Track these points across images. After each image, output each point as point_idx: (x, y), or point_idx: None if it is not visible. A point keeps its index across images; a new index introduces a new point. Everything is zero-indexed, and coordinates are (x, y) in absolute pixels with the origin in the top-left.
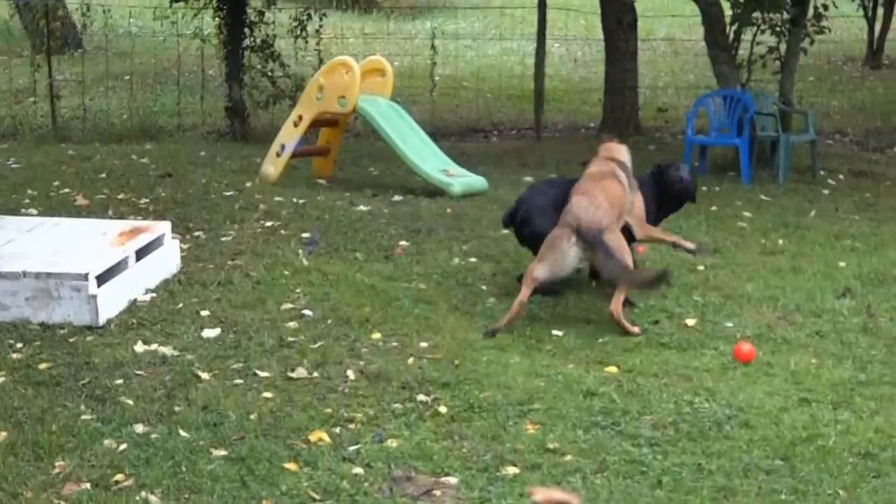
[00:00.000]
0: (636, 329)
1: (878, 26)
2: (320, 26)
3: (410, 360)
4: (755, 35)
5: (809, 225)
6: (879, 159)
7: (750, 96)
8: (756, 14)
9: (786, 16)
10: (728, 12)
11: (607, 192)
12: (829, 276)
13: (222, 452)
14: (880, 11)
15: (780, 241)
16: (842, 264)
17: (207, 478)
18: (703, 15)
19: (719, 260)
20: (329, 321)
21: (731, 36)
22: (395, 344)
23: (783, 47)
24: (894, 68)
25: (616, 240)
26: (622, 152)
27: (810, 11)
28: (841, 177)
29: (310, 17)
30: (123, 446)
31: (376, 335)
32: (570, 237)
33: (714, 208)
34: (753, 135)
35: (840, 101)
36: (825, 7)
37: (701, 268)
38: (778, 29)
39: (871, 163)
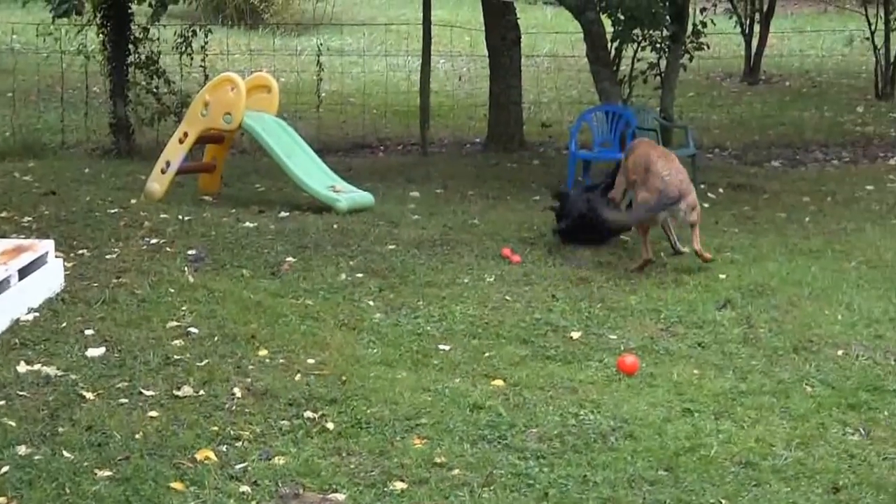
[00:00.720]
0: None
1: (755, 43)
2: (206, 42)
3: (297, 377)
4: (636, 51)
5: (690, 238)
6: (757, 173)
7: (631, 112)
8: (636, 31)
9: (665, 33)
10: (610, 30)
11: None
12: (709, 288)
13: (107, 473)
14: (757, 28)
15: (662, 254)
16: (722, 276)
17: (92, 499)
18: (585, 32)
19: (604, 272)
20: (215, 338)
21: (613, 52)
22: (281, 360)
23: (663, 63)
24: (771, 84)
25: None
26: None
27: (689, 28)
28: (721, 190)
29: (195, 33)
30: (5, 469)
31: (263, 352)
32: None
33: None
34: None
35: (719, 115)
36: (703, 24)
37: (588, 280)
38: (658, 45)
39: (750, 176)
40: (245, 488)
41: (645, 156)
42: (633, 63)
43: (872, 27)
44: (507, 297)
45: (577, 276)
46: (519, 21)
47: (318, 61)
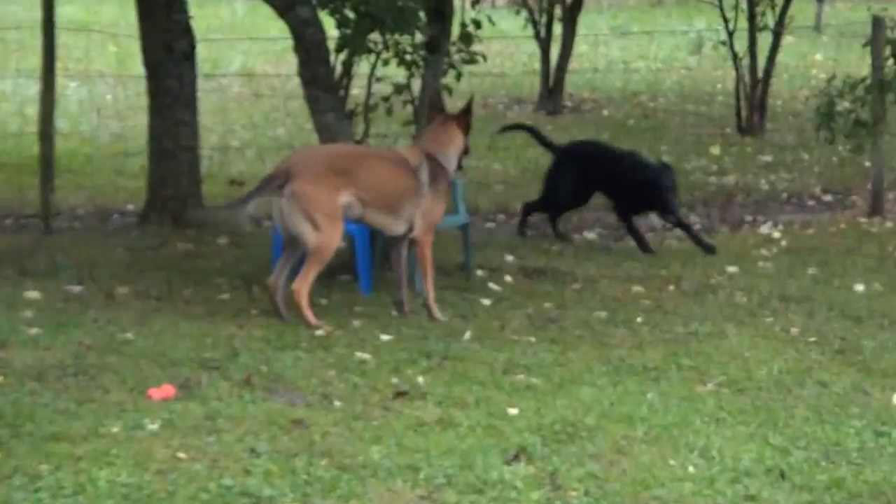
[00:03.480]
0: None
1: (555, 51)
2: None
3: None
4: (374, 67)
5: (463, 353)
6: (564, 250)
7: None
8: (374, 36)
9: (419, 38)
10: (334, 34)
11: None
12: (493, 431)
13: None
14: (558, 29)
15: (420, 379)
16: (513, 412)
17: None
18: (295, 38)
19: (330, 410)
20: None
21: (340, 69)
22: None
23: (416, 85)
24: (580, 112)
25: None
26: None
27: (455, 31)
28: (508, 278)
29: None
30: None
31: None
32: None
33: (321, 332)
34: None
35: (505, 162)
36: (477, 24)
37: (302, 422)
38: (408, 58)
39: (552, 256)
40: None
41: None
42: (369, 85)
43: (730, 26)
44: (181, 455)
45: (290, 418)
46: (193, 23)
47: None
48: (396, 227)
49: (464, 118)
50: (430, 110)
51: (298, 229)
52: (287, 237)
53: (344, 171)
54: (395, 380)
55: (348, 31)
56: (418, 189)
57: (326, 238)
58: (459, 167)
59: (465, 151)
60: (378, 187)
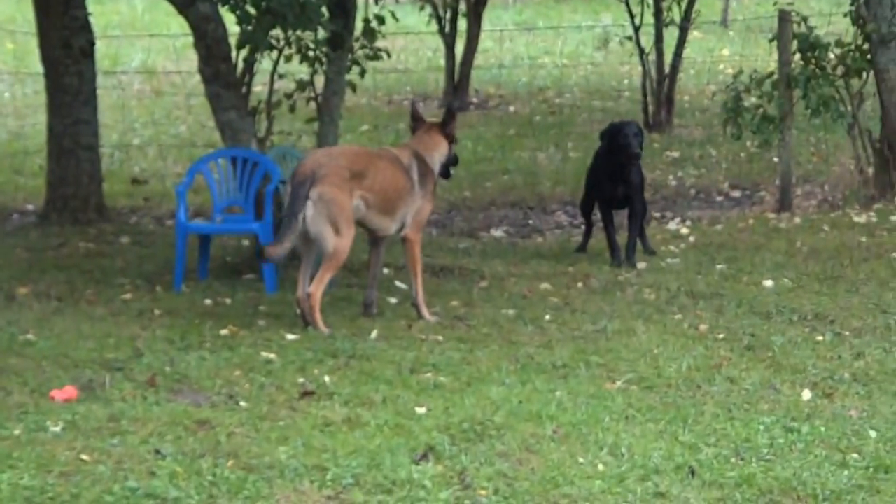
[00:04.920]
0: None
1: (460, 48)
2: None
3: None
4: (276, 63)
5: (370, 353)
6: (471, 248)
7: (272, 158)
8: (276, 32)
9: (322, 34)
10: (236, 31)
11: None
12: (401, 430)
13: None
14: (463, 25)
15: (327, 379)
16: (420, 411)
17: None
18: (195, 35)
19: (235, 411)
20: None
21: (242, 66)
22: None
23: (320, 82)
24: (486, 109)
25: None
26: None
27: (359, 27)
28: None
29: None
30: None
31: None
32: None
33: (224, 332)
34: (280, 217)
35: None
36: (381, 20)
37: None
38: (311, 54)
39: (459, 254)
40: None
41: None
42: (272, 81)
43: (637, 21)
44: (85, 457)
45: (195, 419)
46: (91, 19)
47: None
48: (391, 228)
49: (448, 126)
50: (413, 121)
51: (320, 232)
52: (303, 240)
53: (359, 173)
54: (301, 379)
55: (250, 28)
56: (412, 189)
57: (345, 242)
58: (448, 175)
59: (454, 161)
60: (384, 189)
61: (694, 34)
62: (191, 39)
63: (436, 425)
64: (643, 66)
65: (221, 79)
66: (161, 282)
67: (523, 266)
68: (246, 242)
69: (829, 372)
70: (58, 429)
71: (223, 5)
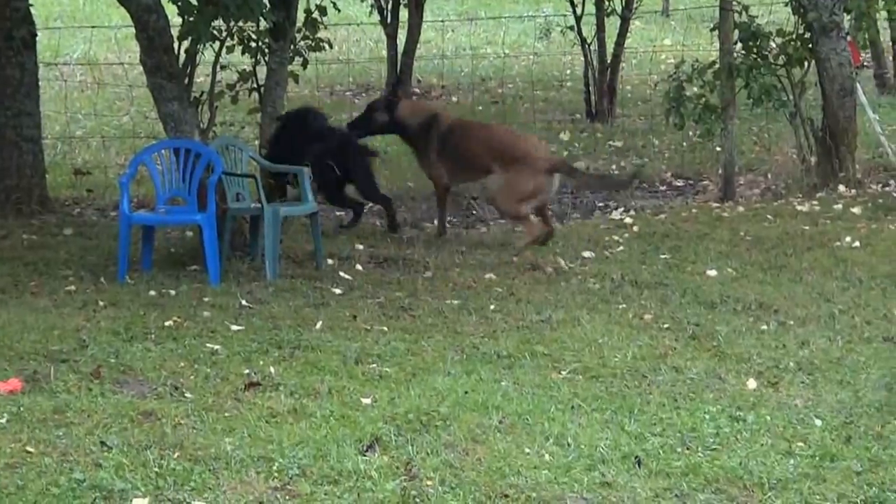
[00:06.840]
0: None
1: (402, 38)
2: None
3: None
4: (219, 54)
5: (315, 343)
6: (414, 238)
7: (214, 149)
8: (219, 23)
9: (263, 25)
10: (177, 21)
11: None
12: (347, 421)
13: None
14: (404, 15)
15: (272, 370)
16: (366, 401)
17: None
18: (137, 26)
19: (181, 402)
20: None
21: (184, 57)
22: None
23: (262, 73)
24: (429, 99)
25: None
26: None
27: (300, 18)
28: (359, 267)
29: None
30: None
31: None
32: None
33: (169, 323)
34: (223, 208)
35: None
36: (322, 10)
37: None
38: (253, 45)
39: (402, 245)
40: None
41: None
42: (214, 73)
43: (578, 11)
44: (30, 448)
45: (141, 410)
46: (32, 10)
47: None
48: None
49: None
50: None
51: None
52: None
53: None
54: (246, 370)
55: (192, 19)
56: None
57: None
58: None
59: None
60: None
61: (635, 24)
62: (132, 30)
63: (381, 416)
64: (585, 55)
65: (163, 70)
66: (105, 273)
67: (467, 256)
68: (189, 233)
69: (773, 361)
70: (3, 420)
71: None
